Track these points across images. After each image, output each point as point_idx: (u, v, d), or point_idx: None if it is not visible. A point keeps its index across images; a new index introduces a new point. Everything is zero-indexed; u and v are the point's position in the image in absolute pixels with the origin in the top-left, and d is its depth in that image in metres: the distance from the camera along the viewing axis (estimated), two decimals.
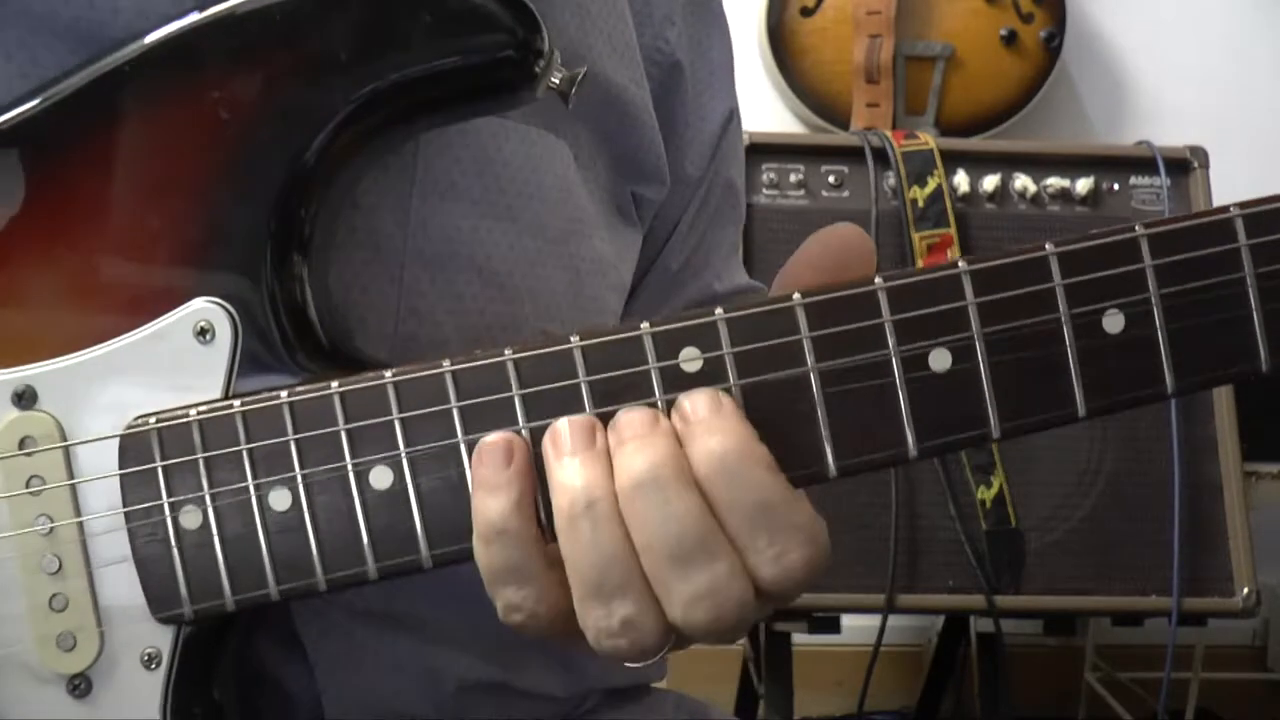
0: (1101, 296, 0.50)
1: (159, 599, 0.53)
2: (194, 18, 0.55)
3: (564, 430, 0.50)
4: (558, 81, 0.56)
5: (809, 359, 0.50)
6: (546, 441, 0.50)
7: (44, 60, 0.57)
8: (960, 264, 0.50)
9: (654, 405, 0.51)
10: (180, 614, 0.53)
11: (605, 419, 0.51)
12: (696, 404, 0.50)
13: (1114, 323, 0.50)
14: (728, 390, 0.51)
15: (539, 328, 0.68)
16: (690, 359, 0.51)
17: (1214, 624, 1.91)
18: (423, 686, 0.66)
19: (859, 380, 0.50)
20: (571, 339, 0.51)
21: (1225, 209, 0.50)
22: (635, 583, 0.50)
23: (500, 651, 0.68)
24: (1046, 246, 0.50)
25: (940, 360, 0.50)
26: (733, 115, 0.85)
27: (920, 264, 1.82)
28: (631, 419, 0.50)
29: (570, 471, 0.50)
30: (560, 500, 0.50)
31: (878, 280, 0.50)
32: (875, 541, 1.75)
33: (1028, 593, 1.78)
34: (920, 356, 0.50)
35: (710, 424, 0.50)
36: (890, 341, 0.50)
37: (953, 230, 1.84)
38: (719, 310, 0.51)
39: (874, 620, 1.81)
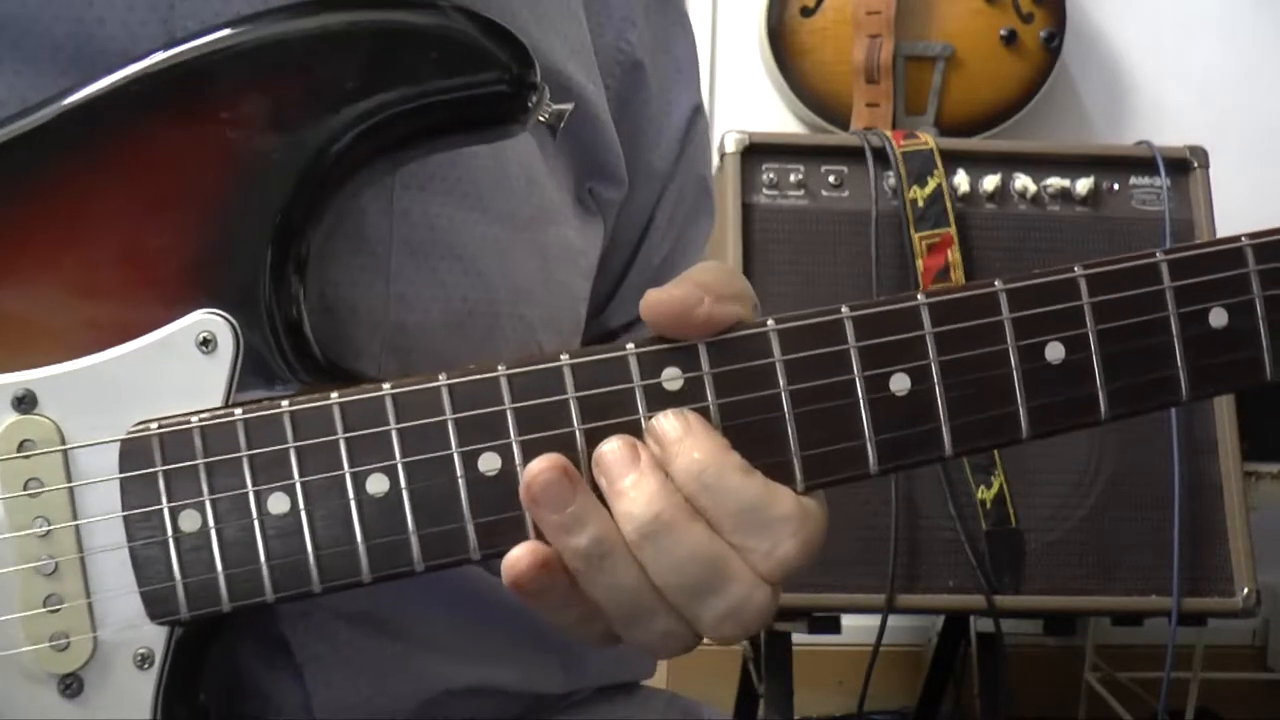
0: (1044, 329, 0.55)
1: (156, 601, 0.54)
2: (207, 39, 0.57)
3: (543, 490, 0.52)
4: (546, 116, 0.59)
5: (781, 381, 0.55)
6: (525, 499, 0.53)
7: (29, 71, 0.58)
8: (919, 296, 0.55)
9: (635, 423, 0.54)
10: (177, 616, 0.54)
11: (590, 435, 0.54)
12: (666, 426, 0.54)
13: (1055, 353, 0.55)
14: (700, 409, 0.54)
15: (517, 313, 0.70)
16: (672, 379, 0.55)
17: (1214, 624, 1.90)
18: (411, 689, 0.67)
19: (826, 401, 0.55)
20: (561, 357, 0.54)
21: (1150, 254, 0.56)
22: (663, 604, 0.53)
23: (488, 652, 0.69)
24: (996, 283, 0.55)
25: (900, 384, 0.55)
26: (699, 110, 0.86)
27: (920, 264, 1.82)
28: (616, 458, 0.53)
29: (572, 531, 0.53)
30: (572, 559, 0.53)
31: (844, 309, 0.55)
32: (875, 541, 1.75)
33: (1028, 593, 1.78)
34: (882, 380, 0.55)
35: (683, 442, 0.53)
36: (855, 366, 0.55)
37: (953, 230, 1.84)
38: None
39: (874, 620, 1.81)
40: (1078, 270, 0.55)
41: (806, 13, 2.39)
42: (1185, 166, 1.91)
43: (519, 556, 0.52)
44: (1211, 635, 2.08)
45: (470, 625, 0.68)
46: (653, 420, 0.54)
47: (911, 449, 0.55)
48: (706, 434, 0.54)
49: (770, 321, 0.55)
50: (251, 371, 0.56)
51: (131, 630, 0.54)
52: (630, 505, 0.52)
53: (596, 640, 0.56)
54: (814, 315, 0.55)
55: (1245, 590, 1.77)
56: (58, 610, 0.54)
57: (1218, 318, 0.56)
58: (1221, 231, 1.87)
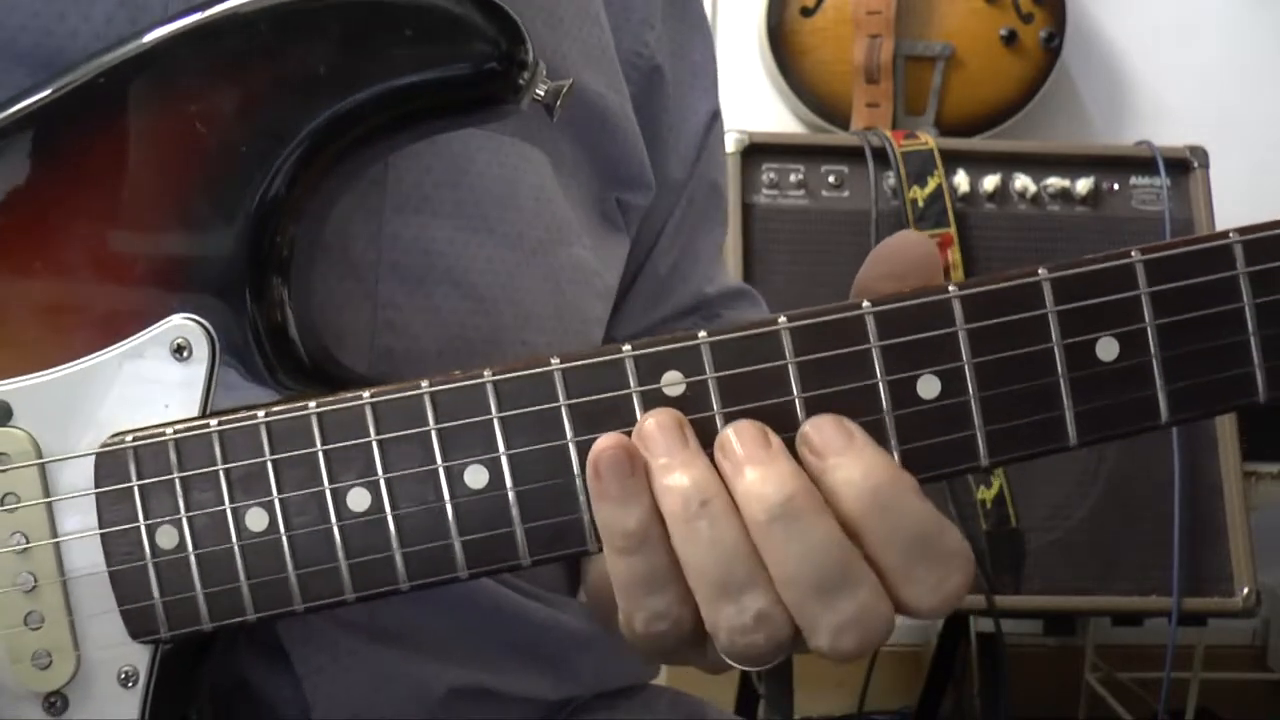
0: (1096, 324, 0.49)
1: (136, 619, 0.53)
2: (166, 29, 0.54)
3: (656, 434, 0.48)
4: (543, 93, 0.55)
5: (794, 387, 0.49)
6: (636, 445, 0.48)
7: (4, 84, 0.57)
8: (951, 288, 0.49)
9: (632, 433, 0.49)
10: (157, 635, 0.53)
11: (583, 449, 0.50)
12: (827, 435, 0.48)
13: (1108, 350, 0.49)
14: (704, 418, 0.49)
15: (520, 339, 0.67)
16: (673, 383, 0.49)
17: (1214, 624, 1.91)
18: (411, 695, 0.66)
19: (845, 409, 0.49)
20: (552, 361, 0.50)
21: (1224, 234, 0.49)
22: (763, 572, 0.48)
23: (487, 658, 0.68)
24: (1040, 271, 0.49)
25: (929, 388, 0.49)
26: (716, 116, 0.84)
27: None
28: (743, 437, 0.48)
29: (675, 473, 0.48)
30: (671, 504, 0.48)
31: (865, 304, 0.49)
32: None
33: (1028, 593, 1.78)
34: (908, 384, 0.49)
35: (847, 454, 0.48)
36: (877, 369, 0.49)
37: (953, 230, 1.85)
38: (702, 333, 0.50)
39: None
40: (1136, 255, 0.48)
41: (806, 13, 2.39)
42: (1185, 166, 1.91)
43: (615, 444, 0.48)
44: (1211, 635, 2.08)
45: (469, 630, 0.68)
46: (806, 428, 0.48)
47: (941, 459, 0.49)
48: (874, 446, 0.48)
49: (782, 319, 0.49)
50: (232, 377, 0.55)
51: (114, 648, 0.53)
52: (757, 486, 0.47)
53: (688, 632, 0.50)
54: (831, 311, 0.49)
55: (1245, 590, 1.77)
56: (39, 628, 0.53)
57: None
58: None
